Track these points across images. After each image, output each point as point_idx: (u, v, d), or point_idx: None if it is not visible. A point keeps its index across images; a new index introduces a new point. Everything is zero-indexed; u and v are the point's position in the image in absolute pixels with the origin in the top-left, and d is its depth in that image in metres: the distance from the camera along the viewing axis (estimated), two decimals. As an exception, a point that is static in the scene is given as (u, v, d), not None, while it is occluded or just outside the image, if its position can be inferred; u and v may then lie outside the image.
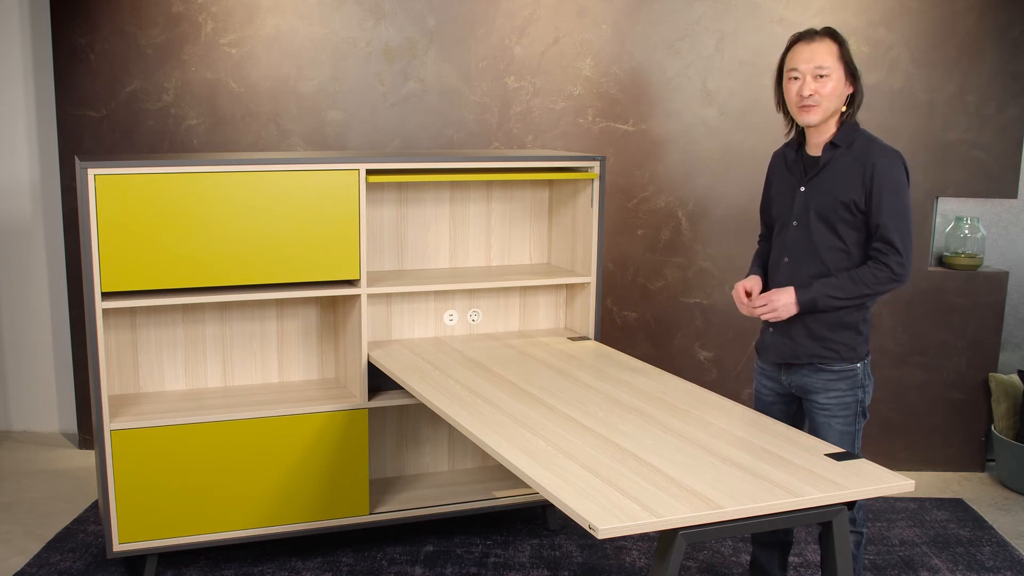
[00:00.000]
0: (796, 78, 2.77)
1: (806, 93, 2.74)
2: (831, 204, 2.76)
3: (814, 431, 2.88)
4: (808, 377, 2.88)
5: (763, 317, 2.86)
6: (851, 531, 2.91)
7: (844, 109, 2.79)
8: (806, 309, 2.79)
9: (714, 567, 3.53)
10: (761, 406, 3.04)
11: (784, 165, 2.94)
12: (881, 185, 2.70)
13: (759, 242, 3.16)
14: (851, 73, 2.76)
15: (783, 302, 2.81)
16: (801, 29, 2.84)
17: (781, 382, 2.96)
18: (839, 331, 2.82)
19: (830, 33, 2.77)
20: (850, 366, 2.83)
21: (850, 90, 2.77)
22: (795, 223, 2.85)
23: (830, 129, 2.80)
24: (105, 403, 3.14)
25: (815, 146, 2.84)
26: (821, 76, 2.73)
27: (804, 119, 2.78)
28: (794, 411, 3.01)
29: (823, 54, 2.73)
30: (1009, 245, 4.64)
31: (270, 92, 4.33)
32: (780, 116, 2.93)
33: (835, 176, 2.77)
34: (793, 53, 2.79)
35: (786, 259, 2.88)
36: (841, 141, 2.78)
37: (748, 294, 2.97)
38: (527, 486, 3.34)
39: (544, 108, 4.38)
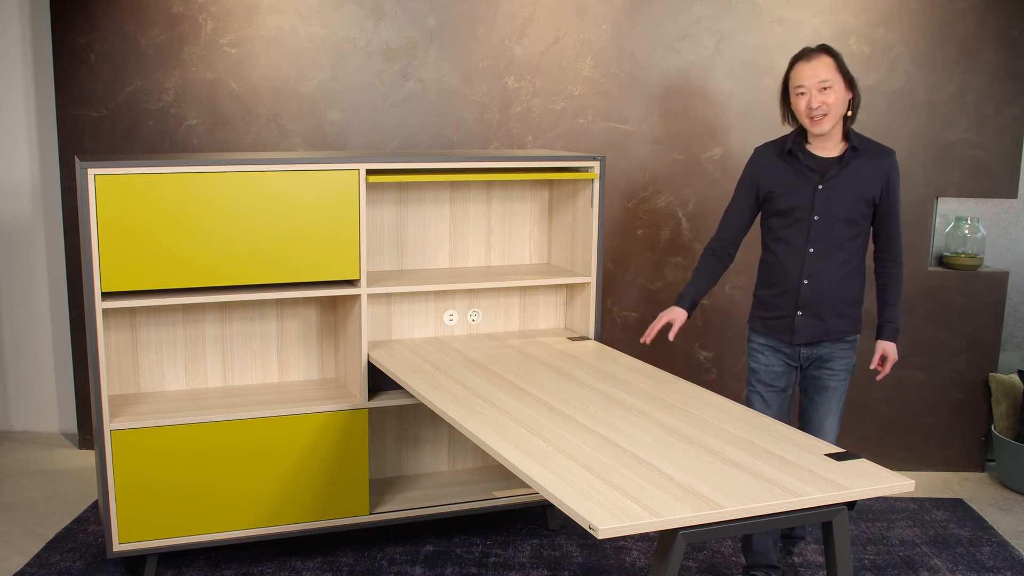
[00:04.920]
0: (803, 94, 3.07)
1: (815, 105, 3.04)
2: (854, 201, 3.11)
3: (819, 393, 3.26)
4: (827, 348, 3.23)
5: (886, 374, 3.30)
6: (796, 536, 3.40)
7: (849, 114, 3.11)
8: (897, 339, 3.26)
9: (714, 567, 3.53)
10: (768, 376, 3.29)
11: (786, 165, 3.19)
12: (895, 181, 3.14)
13: (712, 251, 3.36)
14: (849, 81, 3.09)
15: (893, 355, 3.24)
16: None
17: (800, 355, 3.27)
18: (854, 307, 3.22)
19: (826, 49, 3.10)
20: (857, 335, 3.26)
21: (850, 95, 3.10)
22: (816, 218, 3.13)
23: (836, 133, 3.12)
24: (105, 403, 3.14)
25: (825, 148, 3.15)
26: (825, 88, 3.04)
27: (817, 129, 3.07)
28: (794, 376, 3.34)
29: (823, 69, 3.05)
30: (1009, 245, 4.64)
31: (270, 92, 4.33)
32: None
33: (856, 176, 3.11)
34: (796, 72, 3.10)
35: (811, 250, 3.16)
36: (858, 144, 3.12)
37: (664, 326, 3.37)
38: (527, 486, 3.34)
39: (544, 108, 4.38)
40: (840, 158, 3.12)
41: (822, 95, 3.03)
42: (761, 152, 3.27)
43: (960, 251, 4.51)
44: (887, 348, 3.22)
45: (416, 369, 3.25)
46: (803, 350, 3.24)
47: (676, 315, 3.33)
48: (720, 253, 3.36)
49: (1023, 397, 4.37)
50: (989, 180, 4.40)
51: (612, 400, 2.89)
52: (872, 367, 3.25)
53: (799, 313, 3.19)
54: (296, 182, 3.25)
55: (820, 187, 3.11)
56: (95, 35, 4.28)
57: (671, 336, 3.34)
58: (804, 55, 3.10)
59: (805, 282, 3.17)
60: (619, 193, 4.42)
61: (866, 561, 3.60)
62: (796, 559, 3.60)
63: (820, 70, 3.04)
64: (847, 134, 3.13)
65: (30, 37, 4.51)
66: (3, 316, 4.71)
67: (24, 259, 4.67)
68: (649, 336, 3.36)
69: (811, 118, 3.06)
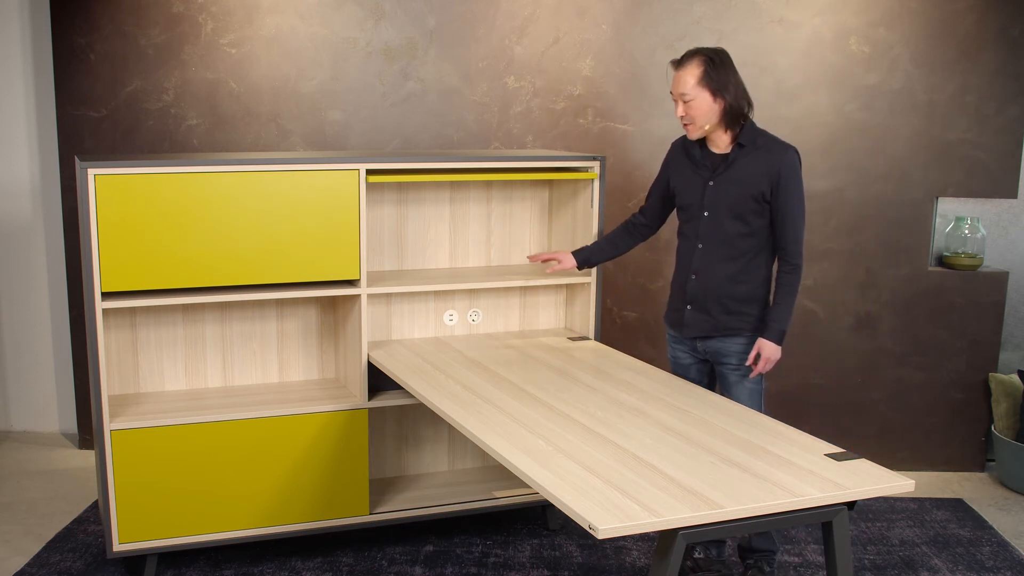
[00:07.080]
0: (675, 102, 3.13)
1: (679, 115, 3.12)
2: (740, 197, 3.10)
3: (727, 390, 3.23)
4: (722, 343, 3.22)
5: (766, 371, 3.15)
6: (766, 549, 3.30)
7: (714, 120, 3.08)
8: (782, 340, 3.12)
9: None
10: (679, 370, 3.35)
11: (687, 160, 3.23)
12: (788, 178, 3.06)
13: (632, 221, 3.48)
14: (717, 90, 3.05)
15: (773, 355, 3.11)
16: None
17: (697, 349, 3.29)
18: (749, 305, 3.18)
19: (694, 56, 3.08)
20: (756, 332, 3.18)
21: (720, 104, 3.06)
22: (706, 214, 3.16)
23: (723, 133, 3.12)
24: (105, 403, 3.14)
25: (718, 145, 3.16)
26: (686, 101, 3.07)
27: (688, 135, 3.15)
28: (708, 370, 3.35)
29: (684, 81, 3.06)
30: (1009, 245, 4.64)
31: (270, 92, 4.33)
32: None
33: (743, 172, 3.10)
34: (672, 80, 3.12)
35: (700, 245, 3.19)
36: (746, 141, 3.10)
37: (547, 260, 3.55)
38: (527, 486, 3.34)
39: (544, 108, 4.38)
40: (727, 155, 3.13)
41: (684, 106, 3.08)
42: (674, 146, 3.33)
43: (960, 251, 4.51)
44: (763, 346, 3.10)
45: (416, 369, 3.25)
46: (698, 343, 3.26)
47: (565, 258, 3.52)
48: (631, 228, 3.48)
49: (1023, 397, 4.37)
50: (989, 180, 4.40)
51: (612, 400, 2.89)
52: (747, 363, 3.15)
53: (688, 307, 3.24)
54: (296, 182, 3.25)
55: (711, 183, 3.14)
56: (95, 35, 4.28)
57: (549, 270, 3.57)
58: (674, 63, 3.12)
59: (693, 277, 3.21)
60: (619, 193, 4.42)
61: (866, 561, 3.60)
62: (796, 559, 3.60)
63: (680, 82, 3.07)
64: (741, 132, 3.10)
65: (30, 37, 4.51)
66: (3, 316, 4.71)
67: (24, 259, 4.67)
68: (535, 258, 3.62)
69: (683, 125, 3.14)
